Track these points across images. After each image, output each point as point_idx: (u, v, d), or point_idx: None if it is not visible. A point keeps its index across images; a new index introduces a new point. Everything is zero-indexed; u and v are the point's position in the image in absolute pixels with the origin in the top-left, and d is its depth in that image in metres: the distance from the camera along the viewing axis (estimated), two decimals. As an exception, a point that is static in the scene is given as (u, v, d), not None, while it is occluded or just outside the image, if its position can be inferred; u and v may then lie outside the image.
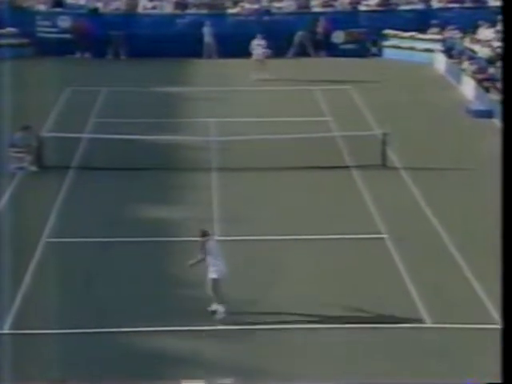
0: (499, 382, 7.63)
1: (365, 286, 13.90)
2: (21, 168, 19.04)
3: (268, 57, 27.73)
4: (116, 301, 13.32)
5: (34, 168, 19.12)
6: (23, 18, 30.63)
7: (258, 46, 27.79)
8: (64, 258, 14.80)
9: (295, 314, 12.93)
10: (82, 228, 16.09)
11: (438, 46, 29.75)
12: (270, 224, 16.26)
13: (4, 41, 29.81)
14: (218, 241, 13.47)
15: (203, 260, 12.64)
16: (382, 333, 12.41)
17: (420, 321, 12.71)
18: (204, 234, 12.78)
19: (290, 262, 14.76)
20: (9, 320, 12.67)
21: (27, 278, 14.00)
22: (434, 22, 30.99)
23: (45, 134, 20.36)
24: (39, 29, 30.82)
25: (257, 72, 27.29)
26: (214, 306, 12.63)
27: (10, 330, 12.40)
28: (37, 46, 30.33)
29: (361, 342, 12.17)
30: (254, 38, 28.12)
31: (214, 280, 12.53)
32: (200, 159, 19.83)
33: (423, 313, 12.97)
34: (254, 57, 27.82)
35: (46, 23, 30.95)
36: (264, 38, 27.95)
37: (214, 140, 20.65)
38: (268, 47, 27.96)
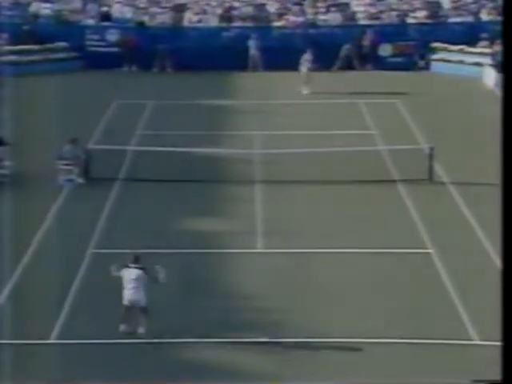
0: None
1: (410, 301, 13.86)
2: (69, 180, 19.44)
3: (313, 70, 27.80)
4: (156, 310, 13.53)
5: (81, 180, 19.49)
6: (72, 32, 31.34)
7: (306, 61, 27.82)
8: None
9: (339, 327, 12.97)
10: (127, 239, 16.35)
11: (487, 60, 29.49)
12: (313, 237, 16.31)
13: (54, 55, 30.62)
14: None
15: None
16: (429, 349, 12.35)
17: (468, 338, 12.62)
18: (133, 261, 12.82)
19: (335, 276, 14.80)
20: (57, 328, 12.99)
21: (74, 288, 14.32)
22: (483, 35, 30.75)
23: (92, 146, 20.80)
24: (88, 42, 31.51)
25: (305, 87, 27.39)
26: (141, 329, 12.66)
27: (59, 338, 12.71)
28: (86, 59, 30.99)
29: (405, 358, 12.13)
30: (299, 50, 28.23)
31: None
32: (245, 172, 19.99)
33: (471, 331, 12.87)
34: (302, 71, 27.91)
35: (95, 37, 31.60)
36: (311, 53, 28.05)
37: (259, 153, 20.81)
38: (313, 60, 28.07)
